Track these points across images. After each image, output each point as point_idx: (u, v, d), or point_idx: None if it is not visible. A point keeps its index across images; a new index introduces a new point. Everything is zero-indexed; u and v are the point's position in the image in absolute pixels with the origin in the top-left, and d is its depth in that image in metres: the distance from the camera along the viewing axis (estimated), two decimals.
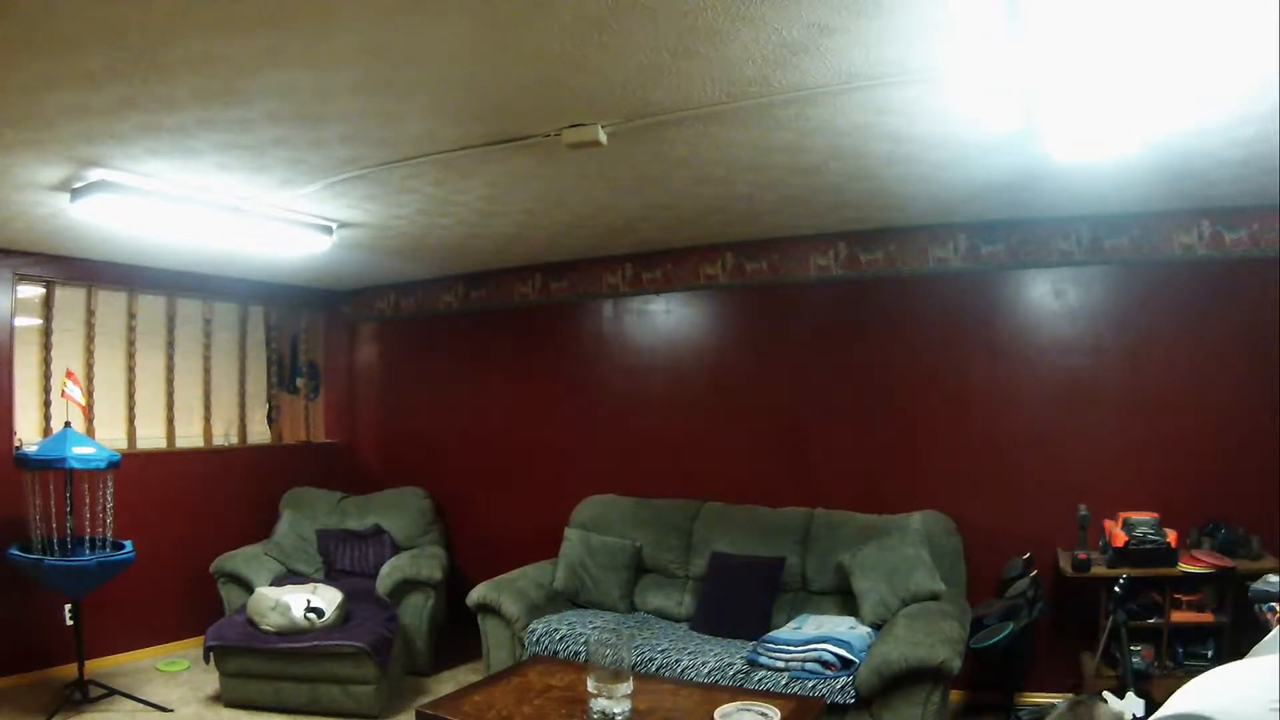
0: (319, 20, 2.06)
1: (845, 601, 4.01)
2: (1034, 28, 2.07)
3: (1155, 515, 3.65)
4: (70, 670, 4.28)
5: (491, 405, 5.72)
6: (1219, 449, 3.89)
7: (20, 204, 3.67)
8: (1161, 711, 1.11)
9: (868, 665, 3.29)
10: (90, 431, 4.83)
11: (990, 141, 3.00)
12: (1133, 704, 2.81)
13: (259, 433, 6.15)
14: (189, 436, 5.63)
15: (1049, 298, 4.26)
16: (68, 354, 4.98)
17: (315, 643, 4.06)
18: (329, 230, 4.16)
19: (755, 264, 4.85)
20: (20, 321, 4.75)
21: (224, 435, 5.87)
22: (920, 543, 3.94)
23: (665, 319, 5.20)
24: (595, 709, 2.70)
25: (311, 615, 4.18)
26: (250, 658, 4.14)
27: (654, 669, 3.63)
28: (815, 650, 3.40)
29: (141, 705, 4.21)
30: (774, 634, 3.63)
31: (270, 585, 4.66)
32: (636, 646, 3.73)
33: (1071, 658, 3.94)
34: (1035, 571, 3.84)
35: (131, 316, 5.33)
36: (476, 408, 5.77)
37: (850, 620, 3.77)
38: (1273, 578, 1.97)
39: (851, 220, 4.33)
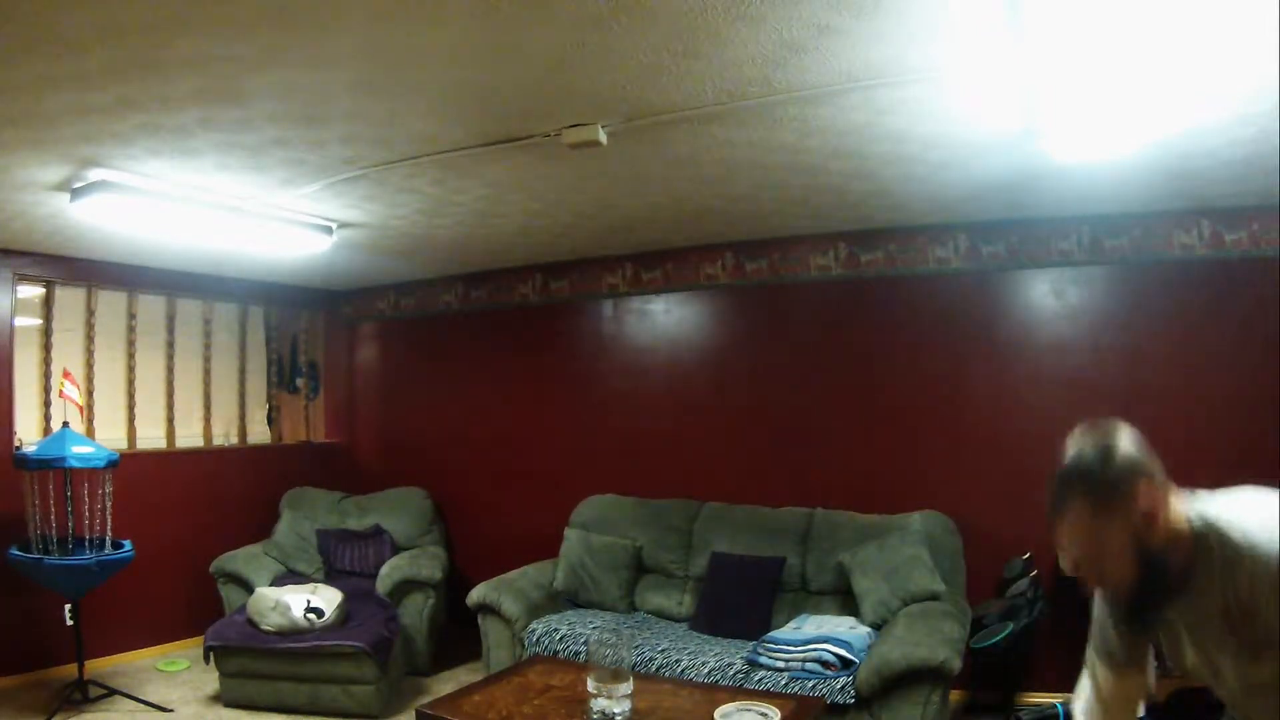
0: (319, 20, 2.06)
1: (845, 601, 4.01)
2: (1034, 28, 2.07)
3: None
4: (70, 670, 4.28)
5: (492, 405, 5.71)
6: (1219, 449, 3.88)
7: (20, 204, 3.67)
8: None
9: (868, 665, 3.29)
10: (89, 431, 4.83)
11: (990, 141, 2.99)
12: None
13: (259, 433, 6.15)
14: (189, 436, 5.63)
15: (1049, 298, 4.26)
16: (68, 354, 4.97)
17: (315, 643, 4.06)
18: (329, 230, 4.16)
19: (755, 264, 4.84)
20: (20, 321, 4.75)
21: (224, 435, 5.87)
22: (920, 543, 3.94)
23: (665, 319, 5.20)
24: (595, 709, 2.70)
25: (311, 615, 4.18)
26: (250, 658, 4.14)
27: (654, 669, 3.63)
28: (815, 650, 3.40)
29: (141, 705, 4.20)
30: (774, 634, 3.63)
31: (270, 585, 4.66)
32: (636, 646, 3.73)
33: (1071, 658, 3.93)
34: (1035, 571, 3.84)
35: (131, 316, 5.33)
36: (477, 408, 5.77)
37: (850, 620, 3.77)
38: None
39: (851, 220, 4.33)
